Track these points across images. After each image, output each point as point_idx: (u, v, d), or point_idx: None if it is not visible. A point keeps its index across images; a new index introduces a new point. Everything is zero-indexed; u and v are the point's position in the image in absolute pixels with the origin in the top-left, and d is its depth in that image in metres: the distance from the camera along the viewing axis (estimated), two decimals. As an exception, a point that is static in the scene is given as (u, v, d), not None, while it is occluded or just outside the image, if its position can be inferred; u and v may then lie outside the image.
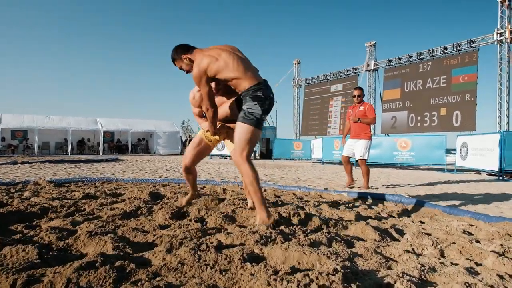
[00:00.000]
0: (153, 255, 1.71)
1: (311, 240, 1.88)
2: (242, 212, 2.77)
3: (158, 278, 1.41)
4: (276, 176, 7.47)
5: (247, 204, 3.12)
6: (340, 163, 13.84)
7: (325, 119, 19.20)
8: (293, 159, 17.34)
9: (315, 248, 1.72)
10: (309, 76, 21.00)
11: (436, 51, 14.18)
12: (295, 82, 21.75)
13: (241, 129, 2.31)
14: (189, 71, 2.53)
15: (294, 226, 2.27)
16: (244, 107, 2.32)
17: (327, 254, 1.66)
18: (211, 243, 1.86)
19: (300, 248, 1.71)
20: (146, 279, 1.38)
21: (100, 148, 23.77)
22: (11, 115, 22.07)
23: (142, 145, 26.11)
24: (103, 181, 5.52)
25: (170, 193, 3.90)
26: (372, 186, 5.75)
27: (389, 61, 15.94)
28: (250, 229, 2.12)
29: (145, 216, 2.74)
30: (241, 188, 4.86)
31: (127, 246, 1.89)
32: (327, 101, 19.17)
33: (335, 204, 3.58)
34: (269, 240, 1.95)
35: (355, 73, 17.95)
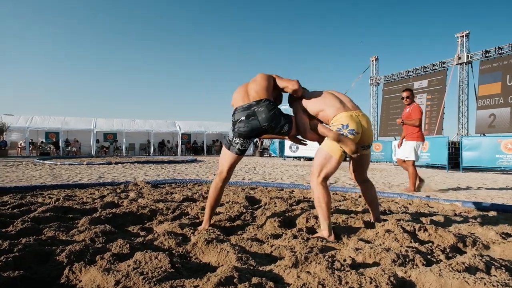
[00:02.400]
0: (284, 270, 1.57)
1: (465, 265, 1.57)
2: (355, 223, 2.54)
3: (305, 303, 1.26)
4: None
5: (357, 215, 2.87)
6: (427, 167, 12.68)
7: (407, 119, 17.83)
8: (371, 161, 16.39)
9: (478, 277, 1.42)
10: (389, 73, 19.71)
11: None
12: (372, 80, 20.61)
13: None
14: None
15: (429, 244, 1.97)
16: None
17: (497, 285, 1.35)
18: (344, 260, 1.67)
19: (458, 274, 1.43)
20: (296, 304, 1.23)
21: (179, 149, 25.26)
22: (103, 119, 24.59)
23: (216, 146, 27.11)
24: (194, 183, 5.69)
25: (266, 197, 3.81)
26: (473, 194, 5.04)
27: (487, 52, 14.08)
28: (380, 245, 1.87)
29: (251, 223, 2.66)
30: (333, 194, 4.60)
31: (250, 258, 1.78)
32: (410, 99, 17.76)
33: (453, 216, 3.14)
34: (407, 260, 1.70)
35: (443, 67, 16.27)
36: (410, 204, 3.92)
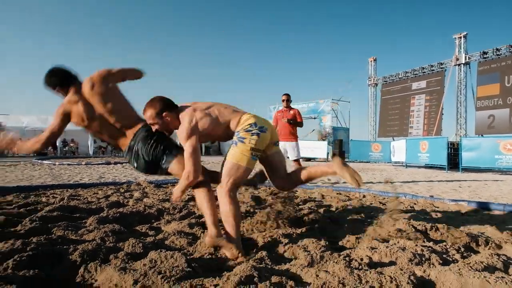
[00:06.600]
0: (301, 270, 1.56)
1: (484, 264, 1.57)
2: (364, 223, 2.54)
3: (328, 301, 1.26)
4: (365, 180, 7.02)
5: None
6: (426, 167, 12.72)
7: (405, 119, 17.86)
8: (369, 162, 16.44)
9: (498, 276, 1.42)
10: (387, 74, 19.79)
11: (545, 38, 12.17)
12: (371, 80, 20.68)
13: None
14: None
15: (443, 244, 1.96)
16: None
17: (517, 284, 1.35)
18: (361, 259, 1.67)
19: (478, 274, 1.42)
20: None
21: (177, 150, 25.11)
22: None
23: (214, 146, 27.06)
24: (197, 182, 5.66)
25: (271, 197, 3.80)
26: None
27: (485, 53, 14.17)
28: (395, 244, 1.87)
29: (261, 223, 2.65)
30: (337, 193, 4.60)
31: (265, 257, 1.77)
32: (408, 99, 17.80)
33: (460, 216, 3.14)
34: (423, 259, 1.69)
35: (442, 68, 16.36)
36: (415, 204, 3.92)
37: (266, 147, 2.10)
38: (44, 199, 3.58)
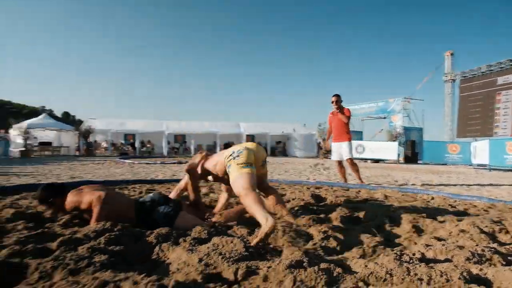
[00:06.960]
0: (351, 260, 1.63)
1: (551, 267, 1.48)
2: (426, 223, 2.47)
3: (373, 288, 1.32)
4: (435, 182, 6.61)
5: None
6: (513, 170, 11.39)
7: (490, 118, 16.13)
8: (446, 164, 15.19)
9: None
10: (466, 69, 18.11)
11: None
12: (447, 76, 19.10)
13: None
14: None
15: (511, 246, 1.86)
16: None
17: None
18: (413, 254, 1.67)
19: (541, 275, 1.36)
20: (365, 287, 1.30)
21: (243, 150, 25.90)
22: (173, 122, 26.33)
23: (280, 148, 27.32)
24: (260, 181, 5.89)
25: (331, 196, 3.84)
26: None
27: None
28: (454, 243, 1.83)
29: (318, 219, 2.73)
30: (402, 195, 4.43)
31: (318, 248, 1.87)
32: (493, 96, 16.05)
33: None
34: (483, 259, 1.64)
35: (534, 59, 14.52)
36: (491, 207, 3.63)
37: (256, 167, 2.49)
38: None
